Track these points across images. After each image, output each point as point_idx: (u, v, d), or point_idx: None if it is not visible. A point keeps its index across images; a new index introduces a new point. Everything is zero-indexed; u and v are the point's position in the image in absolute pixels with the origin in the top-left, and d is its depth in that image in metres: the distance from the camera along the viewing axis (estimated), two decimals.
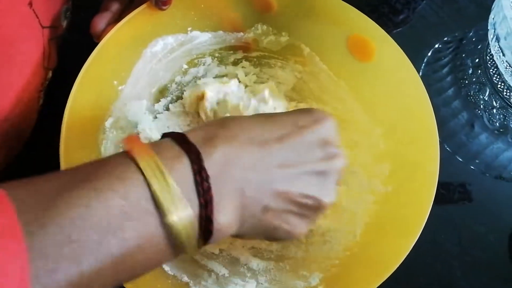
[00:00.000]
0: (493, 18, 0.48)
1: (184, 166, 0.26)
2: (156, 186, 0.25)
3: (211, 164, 0.27)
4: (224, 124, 0.30)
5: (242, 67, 0.50)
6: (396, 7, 0.58)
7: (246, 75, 0.50)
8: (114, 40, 0.40)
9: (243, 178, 0.28)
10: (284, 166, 0.30)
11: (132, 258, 0.25)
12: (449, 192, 0.50)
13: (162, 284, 0.36)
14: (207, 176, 0.26)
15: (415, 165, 0.40)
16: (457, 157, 0.52)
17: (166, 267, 0.38)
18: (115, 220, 0.24)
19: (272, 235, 0.31)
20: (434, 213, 0.48)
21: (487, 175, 0.52)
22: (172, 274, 0.38)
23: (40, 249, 0.22)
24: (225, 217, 0.27)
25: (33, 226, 0.22)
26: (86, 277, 0.23)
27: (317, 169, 0.31)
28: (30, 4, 0.36)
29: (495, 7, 0.48)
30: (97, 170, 0.25)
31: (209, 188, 0.26)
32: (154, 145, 0.27)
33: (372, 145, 0.44)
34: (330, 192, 0.32)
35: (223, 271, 0.40)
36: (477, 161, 0.52)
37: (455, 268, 0.47)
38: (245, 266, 0.42)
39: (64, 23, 0.43)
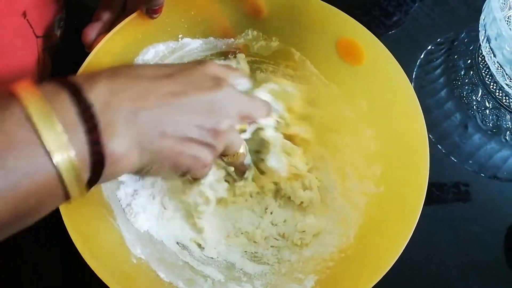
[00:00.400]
0: (484, 20, 0.49)
1: (64, 99, 0.26)
2: (39, 123, 0.25)
3: (93, 95, 0.27)
4: (112, 67, 0.30)
5: None
6: (388, 10, 0.59)
7: None
8: (105, 49, 0.41)
9: (134, 105, 0.28)
10: (174, 94, 0.30)
11: (22, 192, 0.24)
12: (443, 193, 0.51)
13: None
14: (90, 104, 0.26)
15: (406, 166, 0.41)
16: (452, 158, 0.53)
17: (161, 274, 0.38)
18: None
19: (177, 162, 0.32)
20: (429, 213, 0.48)
21: (482, 175, 0.52)
22: (168, 281, 0.38)
23: None
24: (118, 142, 0.27)
25: None
26: None
27: (208, 95, 0.32)
28: (24, 14, 0.37)
29: (485, 8, 0.48)
30: None
31: (92, 116, 0.26)
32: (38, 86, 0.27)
33: (364, 147, 0.44)
34: (224, 116, 0.33)
35: (219, 276, 0.41)
36: (471, 161, 0.53)
37: (451, 269, 0.47)
38: (240, 271, 0.42)
39: (58, 33, 0.44)
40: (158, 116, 0.30)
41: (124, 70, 0.30)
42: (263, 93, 0.45)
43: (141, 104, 0.29)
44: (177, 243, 0.43)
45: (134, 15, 0.42)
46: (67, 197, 0.27)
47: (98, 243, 0.36)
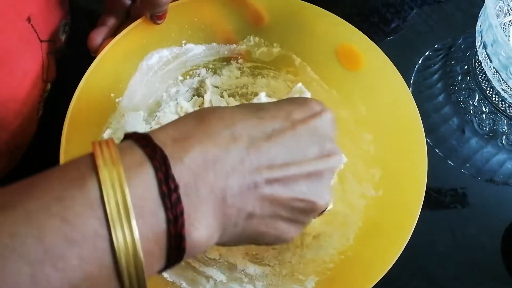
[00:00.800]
0: (480, 26, 0.50)
1: (147, 175, 0.22)
2: (111, 202, 0.21)
3: (182, 170, 0.23)
4: (202, 118, 0.25)
5: (236, 77, 0.51)
6: (387, 17, 0.60)
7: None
8: (111, 53, 0.41)
9: (224, 184, 0.24)
10: (274, 167, 0.26)
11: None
12: (441, 196, 0.52)
13: None
14: (176, 186, 0.22)
15: (404, 169, 0.42)
16: (449, 162, 0.54)
17: (165, 274, 0.39)
18: (54, 248, 0.20)
19: (258, 241, 0.28)
20: (427, 216, 0.49)
21: (479, 179, 0.53)
22: (171, 280, 0.39)
23: None
24: (200, 232, 0.23)
25: None
26: None
27: (311, 169, 0.27)
28: (29, 19, 0.38)
29: (481, 15, 0.50)
30: (38, 183, 0.21)
31: (178, 200, 0.22)
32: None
33: (363, 151, 0.45)
34: (324, 193, 0.28)
35: (220, 277, 0.41)
36: (468, 165, 0.53)
37: (448, 269, 0.48)
38: (242, 272, 0.43)
39: (63, 37, 0.45)
40: (247, 195, 0.25)
41: (216, 126, 0.25)
42: None
43: (233, 181, 0.24)
44: None
45: (138, 21, 0.43)
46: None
47: None
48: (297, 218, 0.28)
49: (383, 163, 0.43)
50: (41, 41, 0.40)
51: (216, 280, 0.41)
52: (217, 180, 0.24)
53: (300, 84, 0.46)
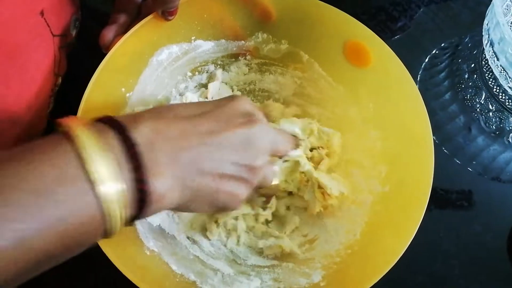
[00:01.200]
0: (487, 24, 0.50)
1: (111, 137, 0.28)
2: (86, 155, 0.26)
3: (138, 135, 0.28)
4: (152, 108, 0.33)
5: (244, 73, 0.51)
6: (394, 15, 0.60)
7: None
8: (122, 49, 0.42)
9: (175, 145, 0.30)
10: (211, 132, 0.32)
11: (69, 224, 0.25)
12: (447, 194, 0.52)
13: (171, 282, 0.38)
14: (135, 143, 0.28)
15: (411, 166, 0.42)
16: (455, 160, 0.54)
17: (173, 266, 0.39)
18: (46, 185, 0.25)
19: (214, 199, 0.33)
20: (433, 213, 0.50)
21: (485, 177, 0.53)
22: (180, 272, 0.39)
23: None
24: (161, 180, 0.28)
25: None
26: (29, 237, 0.24)
27: (241, 132, 0.33)
28: (42, 13, 0.39)
29: (488, 13, 0.50)
30: (32, 148, 0.27)
31: (137, 153, 0.28)
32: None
33: (370, 147, 0.45)
34: (258, 153, 0.34)
35: (228, 270, 0.42)
36: (474, 163, 0.54)
37: (453, 267, 0.48)
38: (249, 265, 0.43)
39: (74, 32, 0.45)
40: (197, 155, 0.31)
41: (165, 111, 0.32)
42: (288, 125, 0.46)
43: (182, 144, 0.30)
44: (188, 237, 0.44)
45: (149, 17, 0.43)
46: (106, 232, 0.28)
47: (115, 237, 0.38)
48: (242, 175, 0.34)
49: (389, 160, 0.44)
50: (53, 36, 0.41)
51: (223, 273, 0.41)
52: (169, 142, 0.30)
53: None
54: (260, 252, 0.45)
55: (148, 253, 0.39)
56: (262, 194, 0.45)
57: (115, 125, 0.28)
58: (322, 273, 0.40)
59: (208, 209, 0.34)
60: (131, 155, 0.27)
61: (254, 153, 0.34)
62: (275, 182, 0.40)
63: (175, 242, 0.43)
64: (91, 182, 0.26)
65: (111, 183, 0.26)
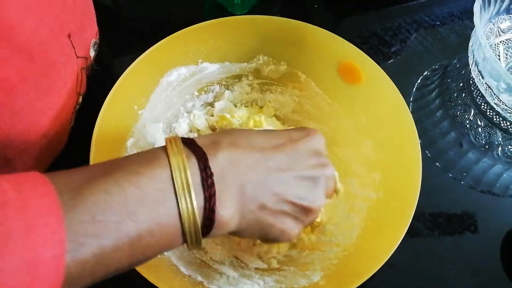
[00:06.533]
0: (472, 46, 0.55)
1: (192, 164, 0.30)
2: (176, 174, 0.29)
3: (215, 163, 0.31)
4: (229, 132, 0.35)
5: (247, 93, 0.55)
6: (385, 39, 0.65)
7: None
8: (136, 70, 0.47)
9: (243, 177, 0.32)
10: (280, 169, 0.34)
11: (144, 240, 0.28)
12: (442, 205, 0.54)
13: (180, 281, 0.41)
14: (211, 173, 0.30)
15: (401, 172, 0.45)
16: (448, 174, 0.57)
17: (182, 268, 0.42)
18: (131, 205, 0.27)
19: (267, 232, 0.35)
20: (428, 222, 0.53)
21: (477, 190, 0.56)
22: (188, 274, 0.42)
23: (71, 226, 0.25)
24: (226, 210, 0.31)
25: (66, 206, 0.26)
26: (107, 253, 0.26)
27: (309, 175, 0.35)
28: (69, 35, 0.43)
29: (473, 35, 0.54)
30: (123, 162, 0.30)
31: (212, 184, 0.30)
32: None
33: (364, 157, 0.49)
34: (320, 197, 0.36)
35: (233, 273, 0.45)
36: (466, 176, 0.57)
37: (449, 272, 0.51)
38: (253, 270, 0.46)
39: (93, 55, 0.50)
40: (261, 189, 0.33)
41: (240, 138, 0.34)
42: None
43: (250, 178, 0.32)
44: None
45: (161, 42, 0.48)
46: (183, 244, 0.31)
47: None
48: (298, 217, 0.36)
49: (382, 167, 0.47)
50: (77, 57, 0.45)
51: (229, 276, 0.44)
52: (238, 174, 0.32)
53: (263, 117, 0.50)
54: (265, 259, 0.47)
55: (158, 255, 0.42)
56: None
57: (197, 151, 0.31)
58: (321, 273, 0.43)
59: (257, 238, 0.36)
60: (208, 185, 0.30)
61: (316, 197, 0.36)
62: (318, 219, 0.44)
63: (182, 247, 0.46)
64: (178, 209, 0.29)
65: (192, 210, 0.29)
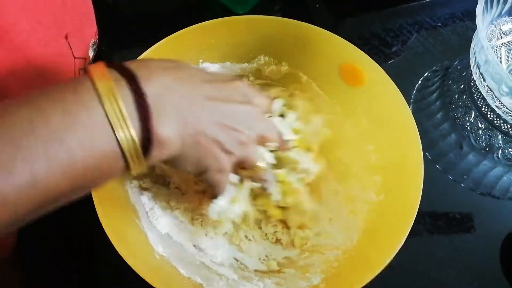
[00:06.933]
0: (473, 48, 0.55)
1: (124, 86, 0.30)
2: (108, 106, 0.29)
3: (149, 86, 0.31)
4: (164, 60, 0.34)
5: None
6: (386, 40, 0.65)
7: None
8: None
9: (181, 102, 0.32)
10: (212, 98, 0.35)
11: (80, 164, 0.28)
12: (441, 207, 0.54)
13: (179, 283, 0.41)
14: (144, 94, 0.30)
15: (402, 174, 0.45)
16: (448, 176, 0.57)
17: (181, 270, 0.42)
18: (58, 132, 0.27)
19: (200, 159, 0.36)
20: (428, 224, 0.53)
21: (477, 192, 0.56)
22: (187, 276, 0.42)
23: None
24: (165, 129, 0.31)
25: None
26: (40, 178, 0.27)
27: (238, 107, 0.36)
28: (66, 37, 0.42)
29: (474, 38, 0.54)
30: (46, 90, 0.29)
31: (146, 104, 0.30)
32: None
33: (365, 160, 0.49)
34: (253, 127, 0.37)
35: (232, 275, 0.44)
36: (466, 179, 0.57)
37: (448, 275, 0.51)
38: (252, 271, 0.46)
39: (91, 55, 0.49)
40: (199, 114, 0.34)
41: (174, 68, 0.34)
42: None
43: (186, 102, 0.33)
44: (194, 245, 0.47)
45: (161, 42, 0.47)
46: (126, 169, 0.31)
47: (128, 240, 0.41)
48: (229, 147, 0.37)
49: (383, 170, 0.47)
50: (75, 58, 0.45)
51: (228, 278, 0.44)
52: (176, 99, 0.32)
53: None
54: (263, 260, 0.47)
55: (157, 257, 0.42)
56: (247, 176, 0.44)
57: (128, 74, 0.31)
58: (322, 276, 0.43)
59: (191, 169, 0.37)
60: (140, 105, 0.30)
61: (243, 129, 0.37)
62: (261, 164, 0.42)
63: (182, 249, 0.46)
64: (110, 125, 0.28)
65: (126, 127, 0.29)
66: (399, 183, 0.45)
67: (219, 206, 0.43)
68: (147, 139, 0.30)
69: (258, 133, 0.39)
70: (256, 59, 0.53)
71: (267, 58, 0.53)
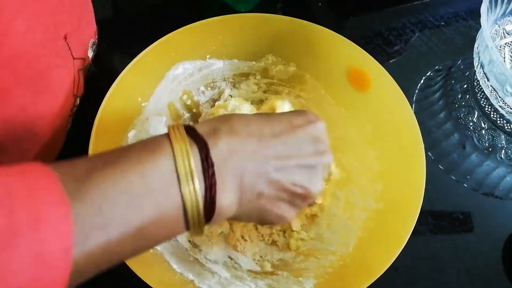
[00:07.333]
0: (477, 47, 0.48)
1: (195, 153, 0.28)
2: (180, 163, 0.27)
3: (215, 152, 0.29)
4: (228, 119, 0.31)
5: (253, 92, 0.52)
6: (390, 39, 0.59)
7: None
8: (141, 61, 0.42)
9: (243, 166, 0.30)
10: (279, 158, 0.31)
11: (148, 229, 0.26)
12: (444, 207, 0.50)
13: (170, 278, 0.37)
14: (213, 163, 0.28)
15: (404, 184, 0.40)
16: (451, 176, 0.52)
17: (174, 265, 0.38)
18: (137, 197, 0.26)
19: (264, 218, 0.33)
20: (430, 225, 0.46)
21: (480, 192, 0.51)
22: (179, 271, 0.38)
23: (78, 218, 0.23)
24: (226, 199, 0.29)
25: (72, 197, 0.23)
26: (112, 244, 0.25)
27: (308, 162, 0.33)
28: (65, 37, 0.38)
29: (478, 37, 0.48)
30: (126, 151, 0.27)
31: (213, 174, 0.28)
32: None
33: (367, 167, 0.43)
34: (317, 183, 0.34)
35: (225, 274, 0.40)
36: (469, 179, 0.52)
37: (450, 275, 0.46)
38: (245, 271, 0.42)
39: (91, 55, 0.44)
40: (259, 177, 0.31)
41: (239, 126, 0.31)
42: None
43: (249, 165, 0.30)
44: (189, 241, 0.43)
45: (169, 34, 0.43)
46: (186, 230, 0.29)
47: None
48: (295, 202, 0.33)
49: (385, 178, 0.42)
50: (74, 58, 0.40)
51: (220, 276, 0.40)
52: (238, 163, 0.30)
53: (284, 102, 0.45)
54: (258, 261, 0.43)
55: (151, 251, 0.38)
56: None
57: (198, 140, 0.29)
58: (314, 281, 0.38)
59: (255, 222, 0.34)
60: (209, 174, 0.28)
61: (313, 184, 0.33)
62: (318, 201, 0.40)
63: (176, 244, 0.41)
64: (181, 197, 0.27)
65: (195, 198, 0.27)
66: (399, 194, 0.40)
67: None
68: (209, 208, 0.28)
69: (322, 184, 0.35)
70: (264, 58, 0.49)
71: (275, 57, 0.49)
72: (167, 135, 0.29)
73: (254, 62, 0.50)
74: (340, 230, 0.43)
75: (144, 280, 0.34)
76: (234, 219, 0.32)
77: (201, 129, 0.30)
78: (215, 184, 0.28)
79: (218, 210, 0.29)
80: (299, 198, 0.33)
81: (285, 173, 0.32)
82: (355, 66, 0.45)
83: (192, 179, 0.27)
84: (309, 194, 0.33)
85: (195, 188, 0.27)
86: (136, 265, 0.34)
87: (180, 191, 0.27)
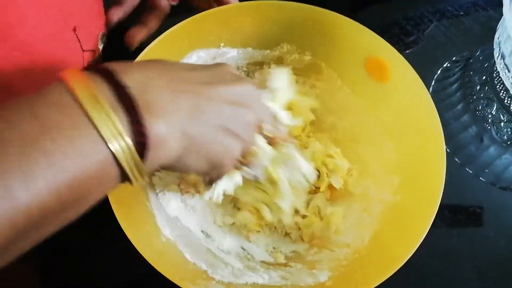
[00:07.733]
0: (498, 38, 0.47)
1: (100, 83, 0.25)
2: (95, 116, 0.24)
3: (128, 78, 0.25)
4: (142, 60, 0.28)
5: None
6: (407, 28, 0.57)
7: None
8: (155, 49, 0.41)
9: (172, 89, 0.27)
10: (207, 83, 0.29)
11: (67, 178, 0.23)
12: (460, 201, 0.49)
13: (184, 268, 0.37)
14: (125, 86, 0.25)
15: (423, 177, 0.39)
16: (467, 169, 0.51)
17: (187, 255, 0.38)
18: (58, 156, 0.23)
19: (210, 152, 0.30)
20: (447, 219, 0.46)
21: (497, 186, 0.50)
22: (192, 261, 0.38)
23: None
24: (160, 125, 0.25)
25: None
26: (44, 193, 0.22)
27: (235, 88, 0.31)
28: (74, 29, 0.38)
29: (499, 27, 0.46)
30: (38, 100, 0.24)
31: (128, 96, 0.25)
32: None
33: (384, 158, 0.42)
34: (251, 110, 0.32)
35: (238, 264, 0.40)
36: (486, 172, 0.51)
37: (467, 271, 0.45)
38: (258, 262, 0.41)
39: (101, 47, 0.44)
40: (196, 101, 0.27)
41: (155, 62, 0.29)
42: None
43: (180, 88, 0.27)
44: (202, 231, 0.42)
45: (183, 22, 0.42)
46: (123, 179, 0.25)
47: (136, 221, 0.37)
48: (238, 132, 0.31)
49: (403, 170, 0.41)
50: (83, 51, 0.40)
51: (233, 267, 0.40)
52: (163, 86, 0.27)
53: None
54: (271, 252, 0.43)
55: (164, 240, 0.37)
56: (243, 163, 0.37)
57: (102, 71, 0.26)
58: (329, 274, 0.37)
59: (203, 165, 0.30)
60: (122, 97, 0.25)
61: (248, 109, 0.31)
62: (255, 149, 0.36)
63: (190, 233, 0.41)
64: (98, 133, 0.24)
65: (116, 129, 0.24)
66: (417, 187, 0.39)
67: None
68: (139, 139, 0.25)
69: (259, 115, 0.32)
70: (279, 47, 0.47)
71: (290, 46, 0.47)
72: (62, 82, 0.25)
73: (268, 51, 0.49)
74: (355, 222, 0.42)
75: (157, 269, 0.34)
76: (179, 162, 0.29)
77: (107, 64, 0.27)
78: (134, 107, 0.25)
79: (153, 140, 0.25)
80: (240, 126, 0.31)
81: (220, 98, 0.30)
82: (374, 55, 0.44)
83: (107, 112, 0.24)
84: (249, 120, 0.31)
85: (113, 121, 0.24)
86: (149, 253, 0.34)
87: (98, 132, 0.24)
